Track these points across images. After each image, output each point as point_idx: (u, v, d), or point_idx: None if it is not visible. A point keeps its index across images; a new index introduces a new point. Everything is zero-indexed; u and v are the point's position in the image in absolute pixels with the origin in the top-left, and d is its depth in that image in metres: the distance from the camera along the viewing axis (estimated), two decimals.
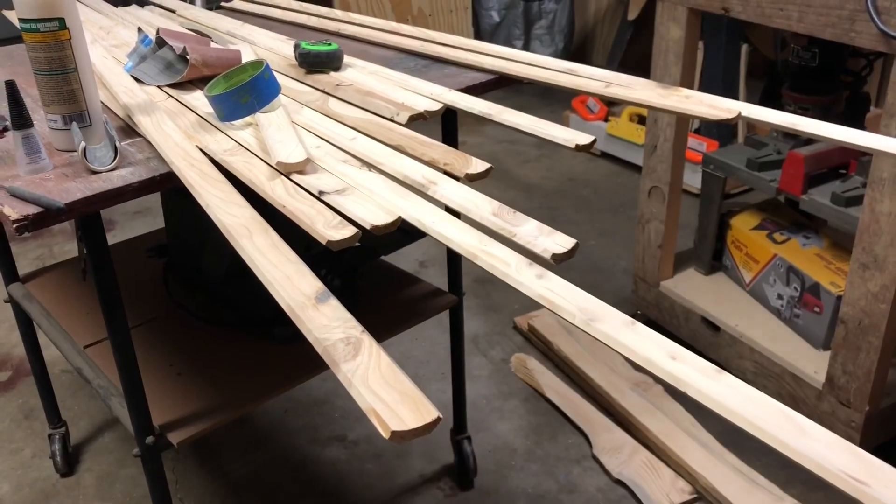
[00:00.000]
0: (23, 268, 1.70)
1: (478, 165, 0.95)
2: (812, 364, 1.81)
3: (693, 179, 2.84)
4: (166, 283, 1.62)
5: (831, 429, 0.56)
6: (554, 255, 0.76)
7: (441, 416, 0.56)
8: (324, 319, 0.66)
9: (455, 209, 0.87)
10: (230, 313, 1.52)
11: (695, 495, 1.70)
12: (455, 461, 1.79)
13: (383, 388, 0.58)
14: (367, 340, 0.63)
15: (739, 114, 1.10)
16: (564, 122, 3.38)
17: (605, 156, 3.39)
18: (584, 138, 1.03)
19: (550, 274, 0.73)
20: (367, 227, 0.82)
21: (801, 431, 0.56)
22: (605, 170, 3.32)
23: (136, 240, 1.90)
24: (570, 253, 0.76)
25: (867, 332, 1.61)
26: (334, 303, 0.68)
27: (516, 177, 3.26)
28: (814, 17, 1.55)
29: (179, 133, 1.08)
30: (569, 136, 1.04)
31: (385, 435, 0.54)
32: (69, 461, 1.83)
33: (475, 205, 0.86)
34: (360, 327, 0.65)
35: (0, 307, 2.28)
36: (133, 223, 2.91)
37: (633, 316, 1.56)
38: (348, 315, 0.67)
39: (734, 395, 0.60)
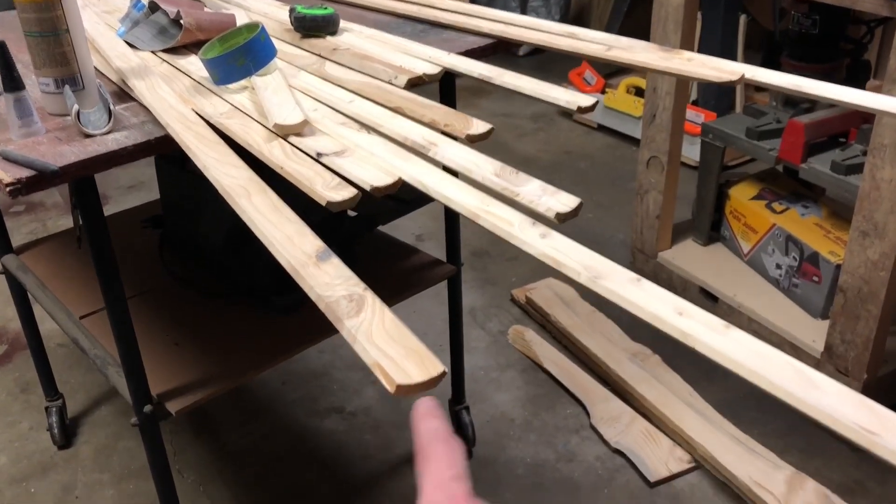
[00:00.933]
0: (16, 242, 1.68)
1: (479, 126, 0.93)
2: (810, 333, 1.81)
3: (690, 151, 2.83)
4: (161, 254, 1.60)
5: None
6: (558, 214, 0.75)
7: (446, 370, 0.55)
8: (326, 277, 0.65)
9: (456, 170, 0.86)
10: (227, 283, 1.51)
11: (693, 464, 1.70)
12: (453, 431, 1.79)
13: (388, 344, 0.57)
14: (370, 297, 0.62)
15: (743, 76, 1.08)
16: None
17: (601, 129, 3.38)
18: (586, 100, 1.01)
19: (554, 233, 0.72)
20: (367, 188, 0.81)
21: (812, 384, 0.55)
22: (601, 143, 3.30)
23: (131, 211, 1.88)
24: (575, 212, 0.75)
25: (866, 301, 1.61)
26: (336, 261, 0.67)
27: (513, 150, 3.24)
28: None
29: (175, 97, 1.06)
30: (570, 98, 1.03)
31: (391, 389, 0.53)
32: (66, 434, 1.82)
33: (477, 165, 0.85)
34: (362, 284, 0.64)
35: None
36: (127, 197, 2.88)
37: None
38: (350, 273, 0.65)
39: (743, 350, 0.59)
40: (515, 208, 0.76)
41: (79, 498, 1.68)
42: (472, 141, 0.92)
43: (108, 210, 2.76)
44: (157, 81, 1.10)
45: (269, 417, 1.90)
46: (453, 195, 0.79)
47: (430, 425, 0.48)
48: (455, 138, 0.92)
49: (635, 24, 3.43)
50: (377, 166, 0.84)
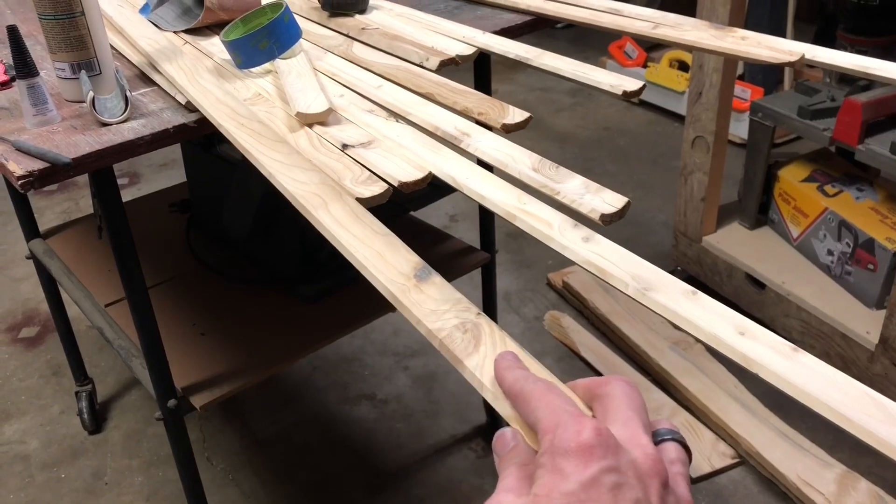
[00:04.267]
0: (49, 222, 1.66)
1: (516, 115, 0.86)
2: (864, 324, 1.72)
3: (736, 128, 2.72)
4: (189, 239, 1.56)
5: (884, 392, 0.49)
6: (603, 216, 0.68)
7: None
8: (430, 303, 0.56)
9: (490, 163, 0.79)
10: (255, 270, 1.47)
11: (737, 459, 1.63)
12: (487, 421, 1.75)
13: None
14: (486, 325, 0.53)
15: (803, 56, 1.00)
16: None
17: (642, 104, 3.27)
18: (632, 84, 0.93)
19: (598, 236, 0.65)
20: (395, 183, 0.75)
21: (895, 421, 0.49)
22: (642, 118, 3.20)
23: (160, 193, 1.84)
24: (621, 213, 0.68)
25: None
26: (438, 280, 0.58)
27: (550, 126, 3.15)
28: None
29: (219, 88, 0.98)
30: (615, 81, 0.95)
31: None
32: (96, 419, 1.81)
33: (513, 159, 0.78)
34: (474, 309, 0.55)
35: (28, 262, 2.25)
36: (158, 176, 2.86)
37: (673, 272, 1.48)
38: (457, 294, 0.56)
39: (813, 378, 0.52)
40: (555, 207, 0.70)
41: (108, 484, 1.67)
42: (508, 131, 0.85)
43: (140, 189, 2.77)
44: (198, 69, 1.02)
45: (300, 404, 1.87)
46: (487, 193, 0.72)
47: (515, 373, 0.46)
48: (490, 128, 0.85)
49: None
50: (406, 159, 0.78)
